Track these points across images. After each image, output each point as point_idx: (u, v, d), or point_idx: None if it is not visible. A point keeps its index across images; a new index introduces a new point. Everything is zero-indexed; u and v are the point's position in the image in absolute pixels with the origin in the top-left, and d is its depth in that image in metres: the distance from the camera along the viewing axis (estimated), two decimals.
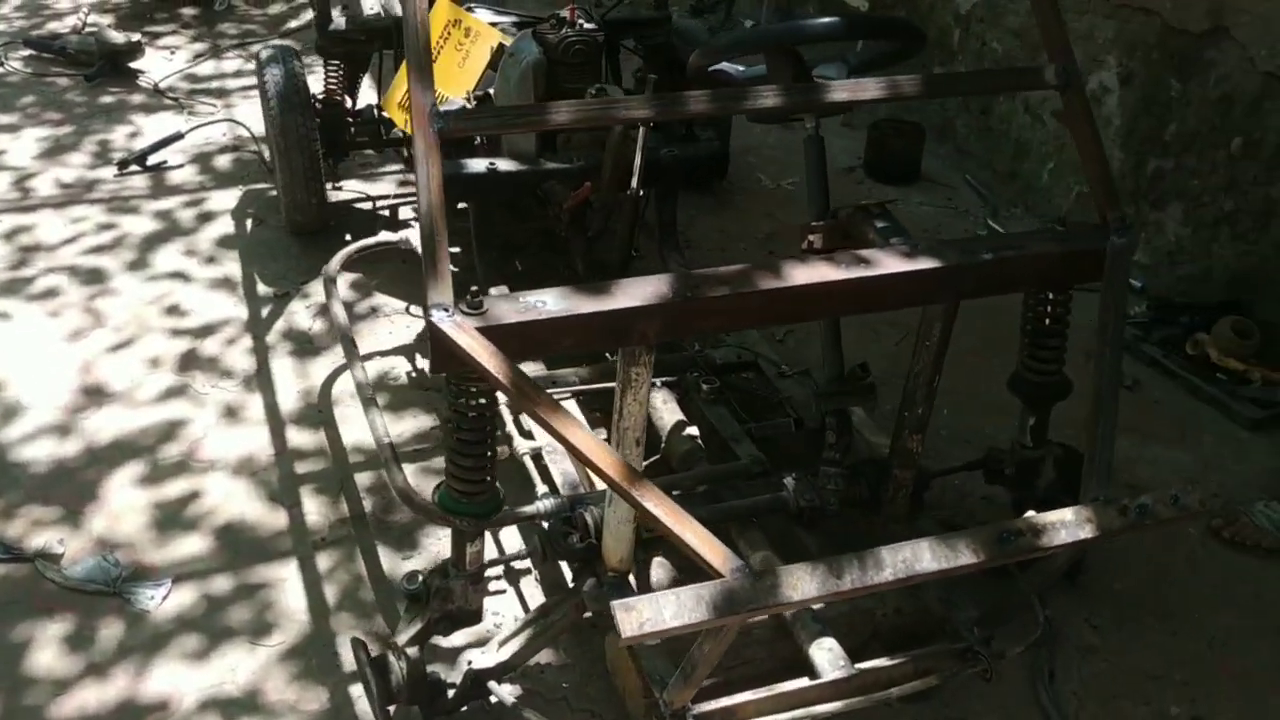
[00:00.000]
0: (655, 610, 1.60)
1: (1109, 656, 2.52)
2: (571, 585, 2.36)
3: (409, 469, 2.86)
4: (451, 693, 2.22)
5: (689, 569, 2.53)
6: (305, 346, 3.38)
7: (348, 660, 2.43)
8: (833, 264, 2.07)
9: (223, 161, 4.37)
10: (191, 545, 2.70)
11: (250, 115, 4.63)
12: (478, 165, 3.07)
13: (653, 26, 3.60)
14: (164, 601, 2.55)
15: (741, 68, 2.53)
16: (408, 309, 3.55)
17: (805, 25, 2.47)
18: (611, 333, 1.93)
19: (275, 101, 3.49)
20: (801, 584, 1.68)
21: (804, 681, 2.16)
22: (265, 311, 3.53)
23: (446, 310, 1.81)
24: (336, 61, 3.75)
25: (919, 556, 1.74)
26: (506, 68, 3.16)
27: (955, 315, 2.25)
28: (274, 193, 4.07)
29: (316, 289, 3.63)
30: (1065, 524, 1.83)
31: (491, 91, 3.26)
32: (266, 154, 4.29)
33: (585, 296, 1.91)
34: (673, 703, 2.02)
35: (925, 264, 2.10)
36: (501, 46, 3.36)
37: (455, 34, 3.43)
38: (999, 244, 2.19)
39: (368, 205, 4.03)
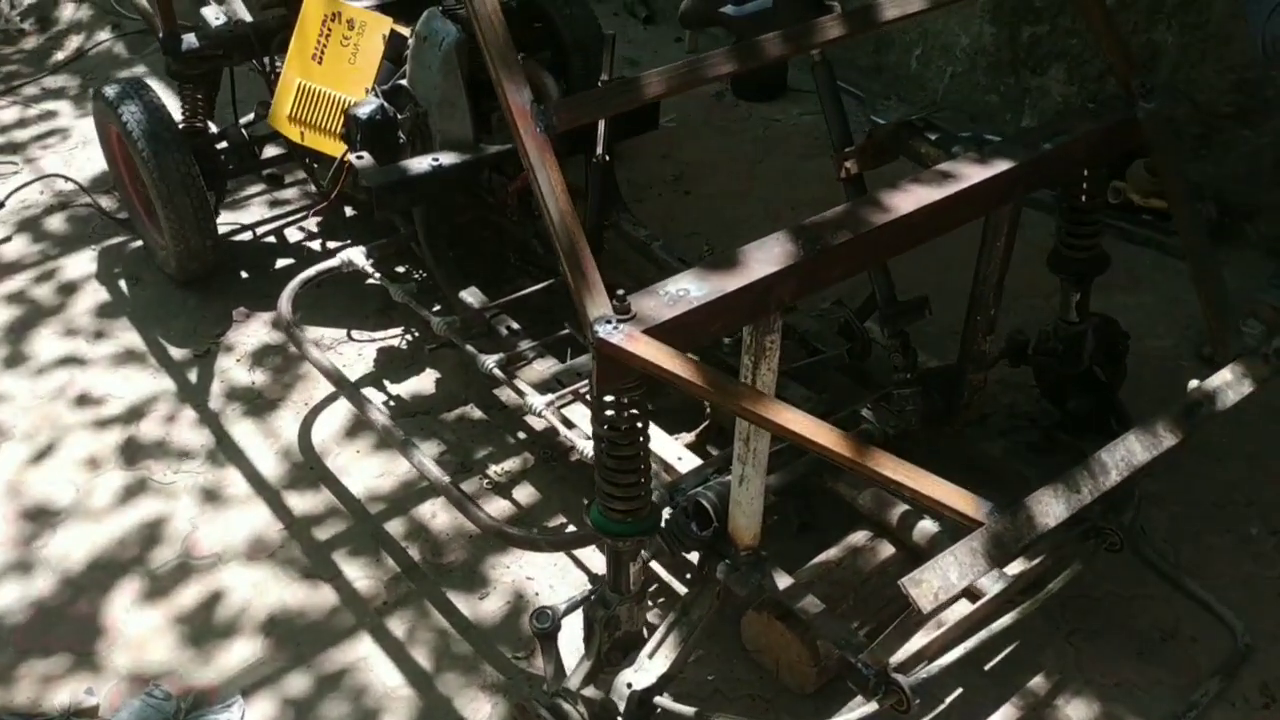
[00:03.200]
0: (941, 576, 1.53)
1: (1176, 499, 2.64)
2: (700, 574, 2.24)
3: (438, 503, 2.65)
4: None
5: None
6: (256, 402, 3.04)
7: (477, 718, 2.24)
8: (924, 184, 2.01)
9: (55, 223, 3.83)
10: (242, 651, 2.39)
11: (63, 165, 4.09)
12: (420, 165, 2.81)
13: None
14: None
15: (736, 8, 2.39)
16: (349, 335, 3.25)
17: None
18: (753, 304, 1.80)
19: (144, 143, 3.07)
20: (1050, 508, 1.65)
21: (968, 605, 2.15)
22: (192, 376, 3.14)
23: (610, 322, 1.64)
24: (190, 84, 3.33)
25: (1131, 451, 1.74)
26: (422, 54, 2.89)
27: (1020, 213, 2.25)
28: (137, 245, 3.62)
29: (238, 338, 3.27)
30: (1230, 384, 1.88)
31: (404, 83, 2.97)
32: (105, 204, 3.80)
33: (720, 273, 1.78)
34: (878, 660, 1.96)
35: (1001, 165, 2.07)
36: (394, 33, 3.08)
37: (337, 29, 3.11)
38: (1051, 132, 2.19)
39: (248, 235, 3.65)
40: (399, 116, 2.93)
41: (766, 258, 1.82)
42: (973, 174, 2.05)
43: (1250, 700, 2.21)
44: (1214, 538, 2.55)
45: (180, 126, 3.32)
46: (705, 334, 1.77)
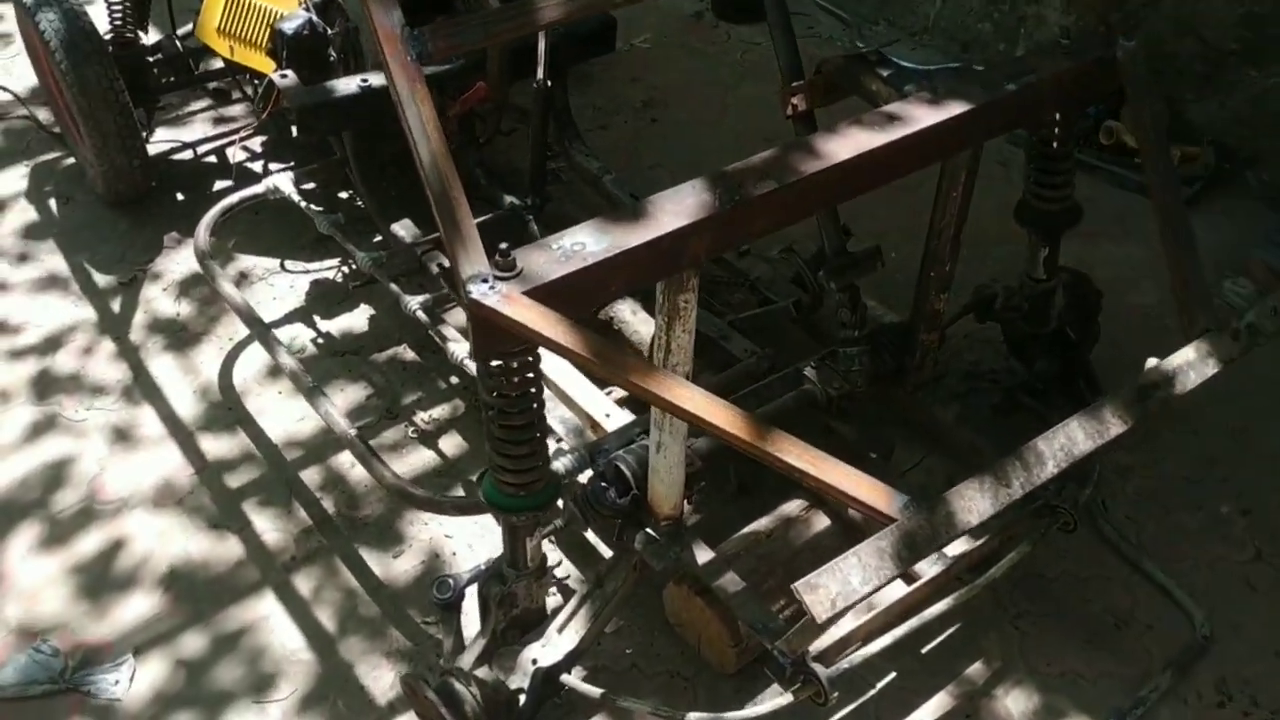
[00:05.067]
0: (841, 581, 1.37)
1: (1145, 472, 2.47)
2: (618, 543, 2.08)
3: None
4: (524, 699, 1.93)
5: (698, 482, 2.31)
6: (180, 336, 2.87)
7: (379, 691, 2.11)
8: (866, 128, 1.81)
9: None
10: (139, 606, 2.26)
11: (2, 74, 3.87)
12: (348, 86, 2.60)
13: None
14: (132, 683, 2.13)
15: None
16: (282, 265, 3.06)
17: None
18: (662, 261, 1.62)
19: (62, 54, 2.86)
20: (975, 504, 1.48)
21: (904, 588, 2.00)
22: (115, 305, 2.97)
23: (485, 280, 1.45)
24: None
25: (1073, 439, 1.57)
26: None
27: (979, 160, 2.04)
28: (70, 162, 3.43)
29: (166, 265, 3.09)
30: (1191, 364, 1.69)
31: None
32: (42, 116, 3.59)
33: (623, 226, 1.59)
34: (795, 648, 1.81)
35: (956, 108, 1.86)
36: None
37: None
38: (1015, 70, 1.97)
39: (188, 154, 3.44)
40: (329, 32, 2.71)
41: (678, 209, 1.63)
42: (924, 116, 1.84)
43: (1204, 697, 2.06)
44: (1183, 515, 2.38)
45: (108, 36, 3.10)
46: (603, 294, 1.59)
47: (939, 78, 2.71)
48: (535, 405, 1.65)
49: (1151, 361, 1.69)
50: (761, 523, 2.19)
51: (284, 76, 2.63)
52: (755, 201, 1.66)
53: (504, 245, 1.49)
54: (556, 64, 2.89)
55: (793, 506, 2.21)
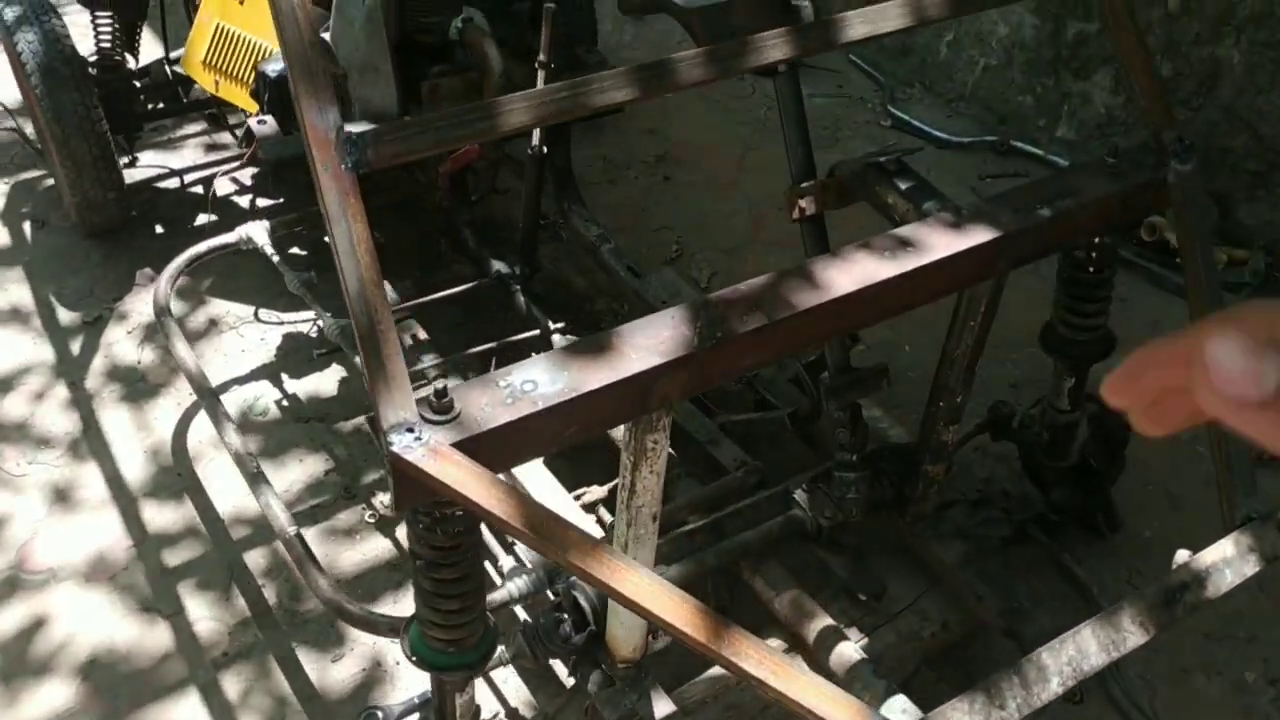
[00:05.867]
0: None
1: None
2: (571, 679, 1.88)
3: (310, 534, 2.30)
4: None
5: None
6: (137, 386, 2.70)
7: None
8: (874, 254, 1.60)
9: None
10: (52, 697, 2.07)
11: None
12: None
13: None
14: None
15: None
16: (256, 315, 2.88)
17: None
18: (627, 404, 1.41)
19: (37, 78, 2.69)
20: None
21: None
22: (75, 346, 2.80)
23: (411, 430, 1.25)
24: (107, 11, 2.93)
25: (1084, 652, 1.35)
26: (346, 6, 2.46)
27: (1003, 287, 1.82)
28: (51, 183, 3.27)
29: (134, 305, 2.91)
30: (1229, 560, 1.47)
31: (326, 36, 2.56)
32: (29, 130, 3.43)
33: (582, 362, 1.39)
34: None
35: (981, 235, 1.65)
36: None
37: None
38: (1053, 192, 1.75)
39: (174, 182, 3.27)
40: None
41: (649, 344, 1.42)
42: (943, 243, 1.63)
43: None
44: (1201, 679, 2.16)
45: (93, 59, 2.93)
46: (556, 441, 1.39)
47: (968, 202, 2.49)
48: (470, 556, 1.44)
49: (1182, 555, 1.47)
50: None
51: (261, 123, 2.45)
52: (740, 339, 1.46)
53: (441, 384, 1.29)
54: (558, 124, 2.70)
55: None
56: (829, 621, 1.96)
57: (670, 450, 2.29)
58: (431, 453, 1.24)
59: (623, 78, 1.39)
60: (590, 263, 2.83)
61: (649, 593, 1.23)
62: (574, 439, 1.38)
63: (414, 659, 1.52)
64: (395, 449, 1.24)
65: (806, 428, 2.31)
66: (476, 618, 1.52)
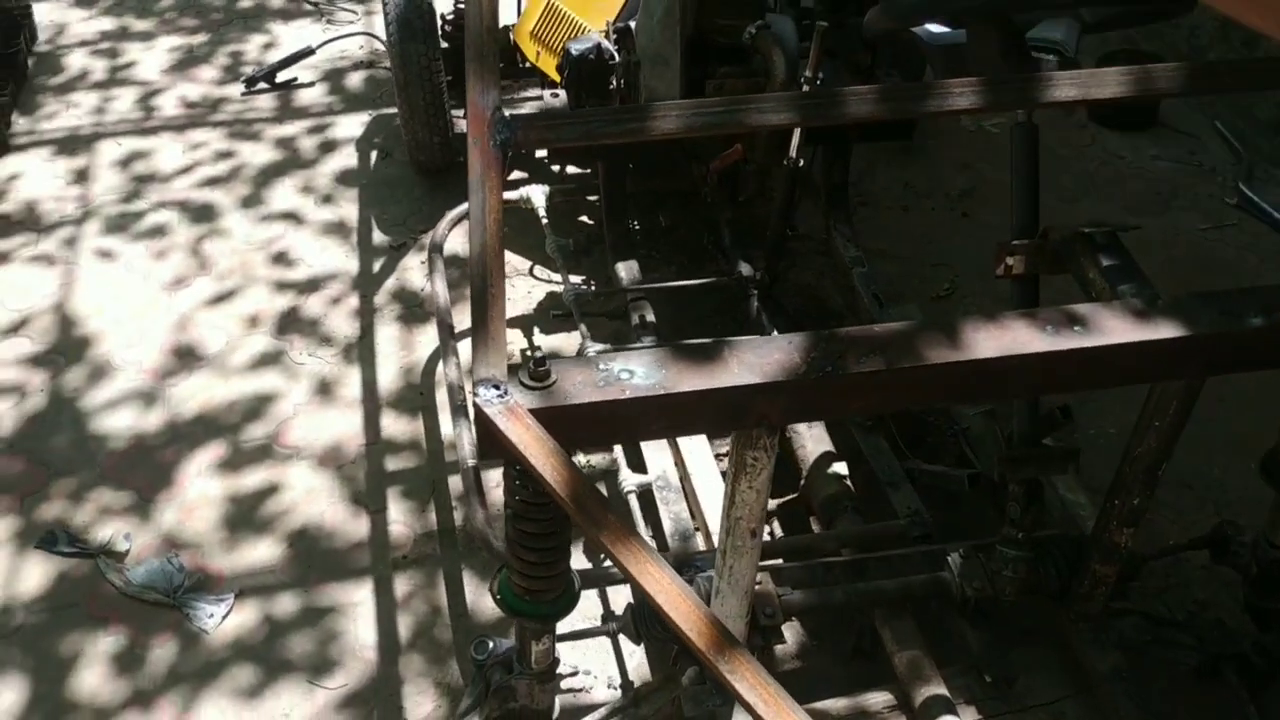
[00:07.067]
0: None
1: None
2: (670, 666, 1.94)
3: (490, 475, 2.49)
4: None
5: (822, 629, 2.11)
6: (415, 311, 3.02)
7: (414, 716, 2.11)
8: (1034, 325, 1.51)
9: (355, 80, 4.00)
10: (262, 552, 2.41)
11: None
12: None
13: None
14: (223, 621, 2.27)
15: (937, 29, 1.94)
16: (531, 270, 3.13)
17: None
18: (719, 416, 1.45)
19: (394, 27, 3.07)
20: None
21: None
22: (377, 266, 3.17)
23: (498, 388, 1.37)
24: None
25: None
26: (652, 0, 2.63)
27: (1199, 393, 1.66)
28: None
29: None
30: None
31: (633, 25, 2.73)
32: None
33: (687, 365, 1.43)
34: None
35: (1165, 331, 1.51)
36: None
37: None
38: (1271, 299, 1.57)
39: None
40: (612, 61, 2.70)
41: (756, 362, 1.44)
42: (1117, 330, 1.51)
43: None
44: None
45: (449, 16, 3.29)
46: (641, 432, 1.45)
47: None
48: (551, 515, 1.54)
49: None
50: (836, 704, 1.95)
51: (555, 95, 2.66)
52: (849, 378, 1.44)
53: (540, 352, 1.40)
54: (839, 138, 2.72)
55: (876, 700, 1.95)
56: (942, 692, 1.88)
57: (848, 482, 2.29)
58: (508, 411, 1.35)
59: (785, 102, 1.42)
60: (845, 283, 2.82)
61: (665, 590, 1.27)
62: (659, 434, 1.44)
63: (497, 599, 1.64)
64: (479, 400, 1.36)
65: (989, 494, 2.20)
66: (558, 574, 1.62)
